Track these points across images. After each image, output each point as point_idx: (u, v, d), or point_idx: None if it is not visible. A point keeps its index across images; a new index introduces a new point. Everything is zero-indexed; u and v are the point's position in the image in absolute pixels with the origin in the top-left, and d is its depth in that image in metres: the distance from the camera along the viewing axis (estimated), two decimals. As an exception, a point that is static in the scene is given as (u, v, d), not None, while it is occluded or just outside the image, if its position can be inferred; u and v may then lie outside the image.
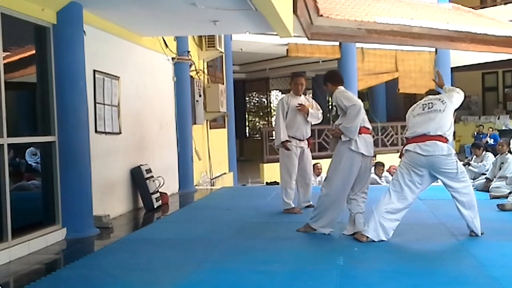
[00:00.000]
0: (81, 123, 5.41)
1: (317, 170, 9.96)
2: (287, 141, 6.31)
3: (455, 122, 5.08)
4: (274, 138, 7.24)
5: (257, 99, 22.99)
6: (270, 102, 22.25)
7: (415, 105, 5.10)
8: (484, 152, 9.08)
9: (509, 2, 17.79)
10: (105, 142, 6.34)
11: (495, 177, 8.00)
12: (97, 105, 6.15)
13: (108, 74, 6.42)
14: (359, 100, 5.05)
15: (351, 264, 4.18)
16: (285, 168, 6.40)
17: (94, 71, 6.07)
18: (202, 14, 6.09)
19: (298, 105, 6.34)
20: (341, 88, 5.18)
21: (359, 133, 4.93)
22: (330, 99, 17.78)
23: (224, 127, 12.42)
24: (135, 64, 7.28)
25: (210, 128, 10.98)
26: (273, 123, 8.49)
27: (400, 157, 5.03)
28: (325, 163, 6.15)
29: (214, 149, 10.97)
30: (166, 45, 8.29)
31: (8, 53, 4.77)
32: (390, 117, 18.03)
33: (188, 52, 9.01)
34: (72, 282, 3.91)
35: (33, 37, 5.22)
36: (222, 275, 3.93)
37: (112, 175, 6.54)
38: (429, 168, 4.77)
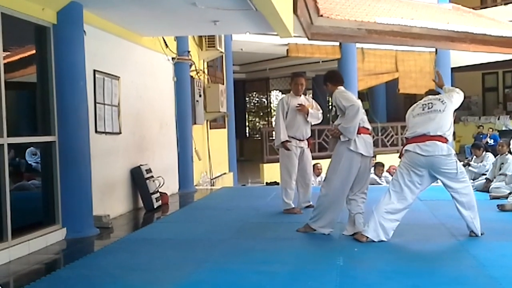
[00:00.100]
0: (81, 123, 5.41)
1: (317, 170, 9.96)
2: (287, 141, 6.32)
3: (454, 123, 5.08)
4: (274, 138, 7.24)
5: (257, 99, 22.99)
6: (270, 102, 22.25)
7: (415, 105, 5.10)
8: (484, 153, 9.08)
9: (509, 3, 17.78)
10: (105, 142, 6.34)
11: (495, 177, 8.01)
12: (97, 105, 6.15)
13: (108, 74, 6.42)
14: (358, 101, 5.05)
15: (351, 264, 4.18)
16: (285, 168, 6.40)
17: (94, 71, 6.07)
18: (202, 14, 6.09)
19: (298, 105, 6.35)
20: (341, 88, 5.18)
21: (358, 133, 4.93)
22: (330, 99, 17.77)
23: (224, 127, 12.42)
24: (135, 64, 7.28)
25: (210, 128, 10.98)
26: (273, 123, 8.50)
27: (399, 157, 5.03)
28: (325, 163, 6.15)
29: (214, 149, 10.98)
30: (166, 45, 8.30)
31: (8, 53, 4.77)
32: (390, 118, 18.03)
33: (188, 52, 9.01)
34: (72, 282, 3.91)
35: (33, 37, 5.21)
36: (222, 275, 3.93)
37: (112, 175, 6.54)
38: (429, 168, 4.77)
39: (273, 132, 9.74)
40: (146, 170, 7.16)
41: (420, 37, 11.44)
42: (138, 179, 7.05)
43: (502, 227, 5.44)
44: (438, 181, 4.93)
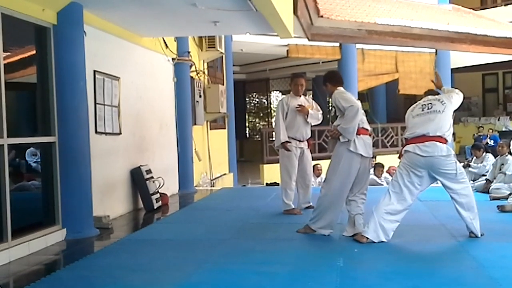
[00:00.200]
0: (81, 123, 5.41)
1: (317, 171, 9.96)
2: (287, 142, 6.32)
3: (454, 123, 5.08)
4: (274, 139, 7.24)
5: (257, 100, 23.00)
6: (270, 103, 22.26)
7: (414, 105, 5.09)
8: (484, 153, 9.08)
9: (510, 3, 17.79)
10: (105, 142, 6.34)
11: (495, 178, 8.00)
12: (97, 105, 6.15)
13: (108, 74, 6.42)
14: (358, 101, 5.04)
15: (351, 265, 4.18)
16: (285, 169, 6.40)
17: (95, 71, 6.07)
18: (203, 15, 6.10)
19: (298, 106, 6.35)
20: (341, 89, 5.18)
21: (358, 134, 4.93)
22: (330, 100, 17.78)
23: (224, 128, 12.42)
24: (135, 65, 7.28)
25: (210, 129, 10.98)
26: (273, 124, 8.50)
27: (399, 158, 5.02)
28: (325, 164, 6.14)
29: (214, 149, 10.98)
30: (166, 45, 8.30)
31: (8, 53, 4.77)
32: (390, 118, 18.04)
33: (189, 52, 9.01)
34: (72, 283, 3.91)
35: (33, 37, 5.21)
36: (222, 276, 3.93)
37: (112, 176, 6.54)
38: (428, 169, 4.77)
39: (273, 133, 9.74)
40: (146, 170, 7.16)
41: (420, 38, 11.44)
42: (138, 179, 7.05)
43: (502, 228, 5.44)
44: (438, 182, 4.93)
